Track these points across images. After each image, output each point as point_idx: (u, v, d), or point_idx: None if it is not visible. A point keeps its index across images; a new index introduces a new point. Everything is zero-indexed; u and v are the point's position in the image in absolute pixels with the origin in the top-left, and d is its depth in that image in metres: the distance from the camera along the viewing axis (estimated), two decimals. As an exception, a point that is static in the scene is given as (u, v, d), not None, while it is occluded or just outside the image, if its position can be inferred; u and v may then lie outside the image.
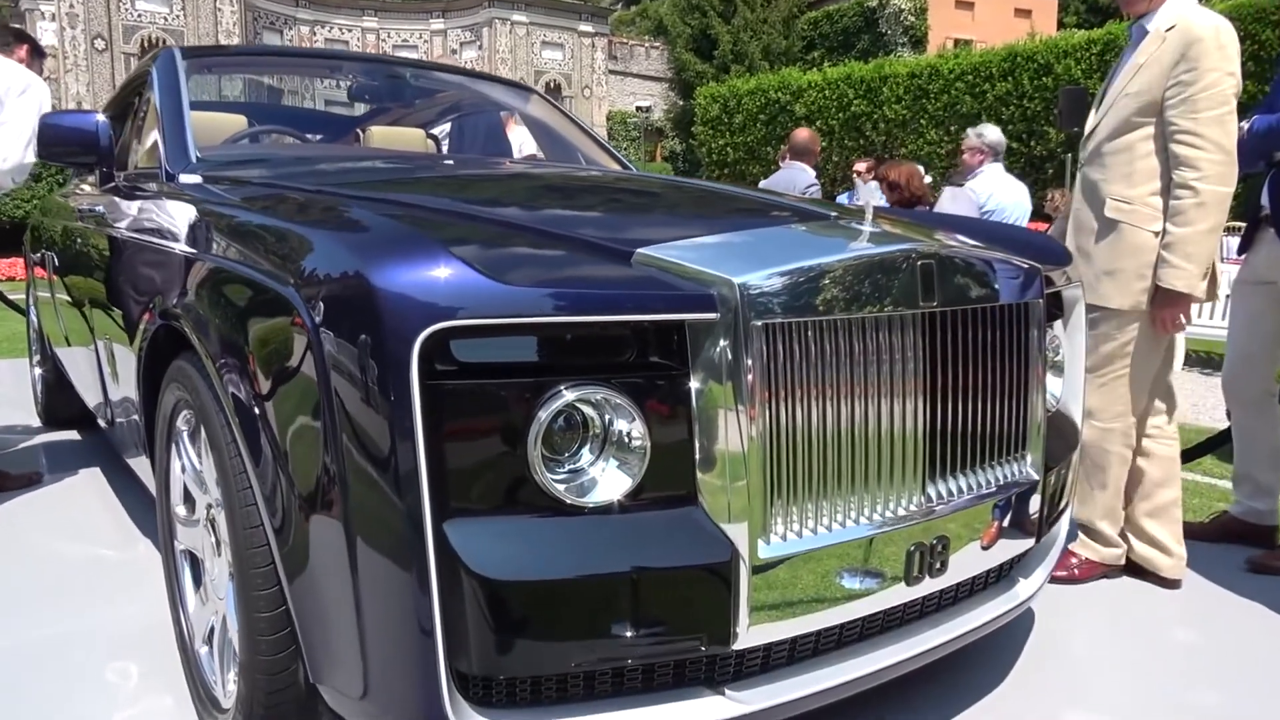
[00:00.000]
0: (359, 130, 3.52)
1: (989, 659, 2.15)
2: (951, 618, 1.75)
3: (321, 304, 1.31)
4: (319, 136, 3.75)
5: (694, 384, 1.38)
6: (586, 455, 1.35)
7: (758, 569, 1.40)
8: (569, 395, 1.31)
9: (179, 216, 2.01)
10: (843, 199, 7.53)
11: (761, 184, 6.21)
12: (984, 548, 1.72)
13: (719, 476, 1.39)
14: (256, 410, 1.43)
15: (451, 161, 2.96)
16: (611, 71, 37.53)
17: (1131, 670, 2.18)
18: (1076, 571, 2.59)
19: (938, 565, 1.62)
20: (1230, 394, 2.97)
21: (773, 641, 1.46)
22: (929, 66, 18.75)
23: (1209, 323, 7.58)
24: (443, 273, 1.26)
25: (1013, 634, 2.26)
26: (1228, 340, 2.99)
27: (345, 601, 1.32)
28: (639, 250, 1.43)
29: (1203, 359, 7.97)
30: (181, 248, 1.89)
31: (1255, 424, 2.90)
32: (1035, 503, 1.84)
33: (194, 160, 2.41)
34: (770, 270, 1.40)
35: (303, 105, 4.10)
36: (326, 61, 3.48)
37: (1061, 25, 34.79)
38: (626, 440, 1.35)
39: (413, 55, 29.05)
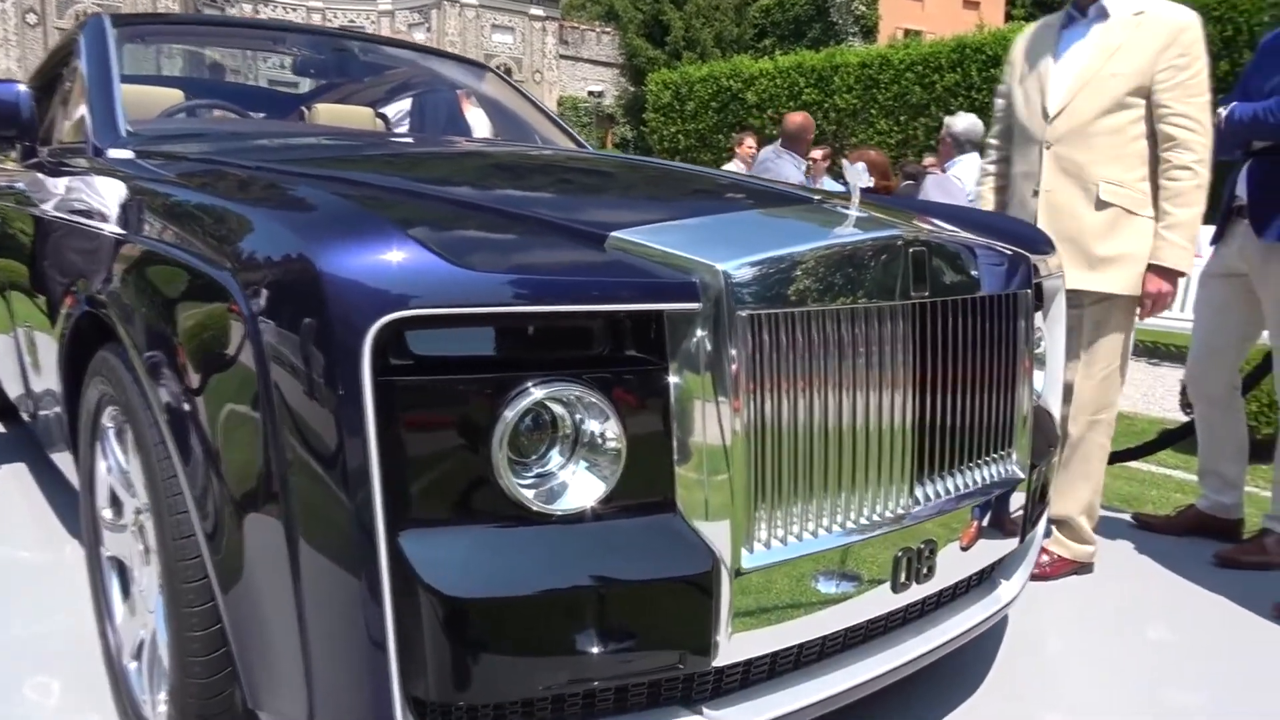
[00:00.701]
0: (303, 108, 3.34)
1: (964, 662, 2.09)
2: (935, 624, 1.67)
3: (261, 291, 1.17)
4: (262, 114, 3.56)
5: (673, 380, 1.27)
6: (556, 458, 1.23)
7: (741, 580, 1.30)
8: (537, 392, 1.19)
9: (104, 193, 1.84)
10: None
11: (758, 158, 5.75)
12: (970, 551, 1.65)
13: (700, 480, 1.28)
14: (187, 408, 1.29)
15: (404, 140, 2.81)
16: (563, 56, 37.13)
17: (1105, 669, 2.13)
18: (1048, 569, 2.54)
19: (924, 570, 1.54)
20: (1195, 388, 2.94)
21: (754, 657, 1.36)
22: (879, 56, 18.80)
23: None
24: (398, 257, 1.13)
25: (986, 634, 2.19)
26: (1193, 333, 2.96)
27: (288, 621, 1.18)
28: (613, 234, 1.32)
29: (1149, 349, 8.09)
30: (106, 227, 1.72)
31: (1220, 418, 2.88)
32: (1020, 502, 1.77)
33: (123, 134, 2.23)
34: (756, 256, 1.29)
35: (247, 83, 3.89)
36: (268, 33, 3.29)
37: (1009, 18, 35.25)
38: (600, 442, 1.24)
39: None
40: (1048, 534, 2.57)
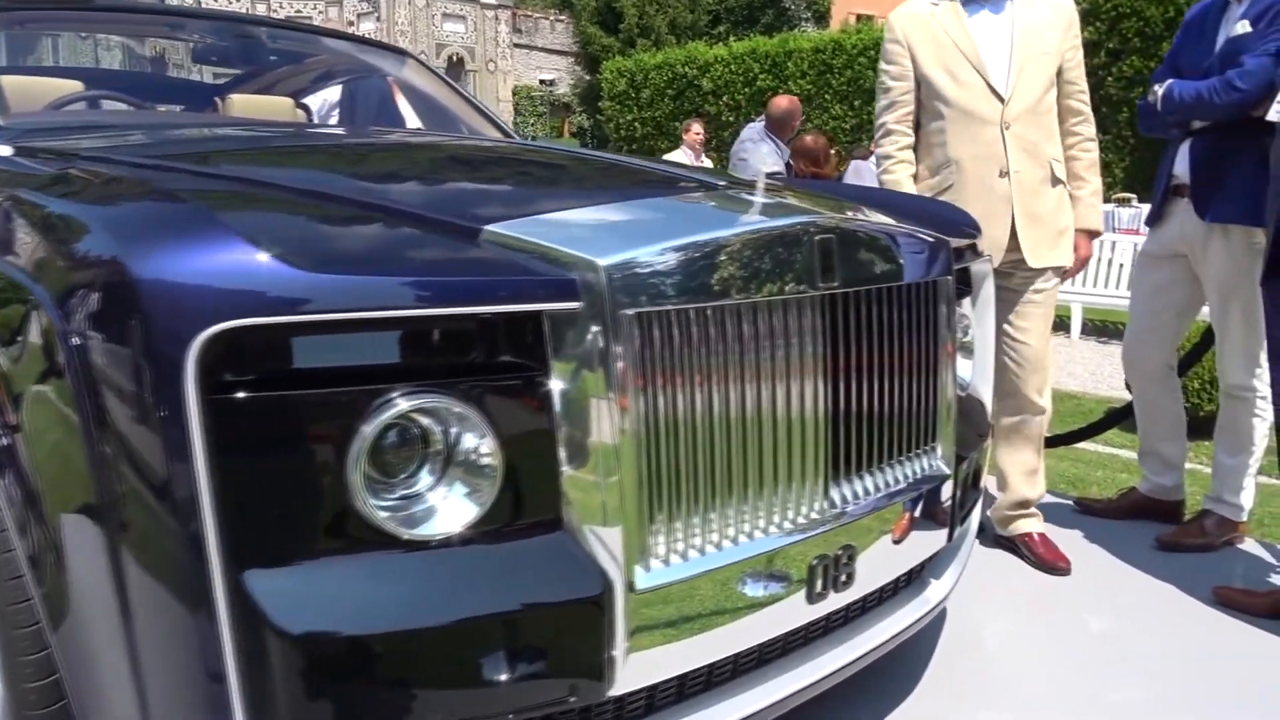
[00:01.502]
0: (217, 99, 3.17)
1: (899, 661, 2.00)
2: (859, 631, 1.58)
3: (79, 303, 1.04)
4: (176, 105, 3.38)
5: (555, 387, 1.16)
6: (424, 478, 1.12)
7: (637, 600, 1.19)
8: (399, 406, 1.07)
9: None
10: None
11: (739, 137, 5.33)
12: (894, 553, 1.56)
13: (588, 496, 1.17)
14: (4, 439, 1.15)
15: (308, 131, 2.65)
16: (516, 45, 36.70)
17: (1045, 662, 2.07)
18: (1047, 554, 2.54)
19: (843, 578, 1.45)
20: (1131, 368, 2.89)
21: (657, 682, 1.26)
22: (832, 42, 18.84)
23: (1105, 291, 7.73)
24: (233, 260, 1.01)
25: (922, 630, 2.12)
26: (1130, 313, 2.91)
27: (123, 675, 1.06)
28: (488, 227, 1.20)
29: (1098, 328, 8.14)
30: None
31: (1157, 398, 2.83)
32: (947, 498, 1.68)
33: (-15, 128, 2.06)
34: (643, 249, 1.18)
35: (150, 72, 3.69)
36: (167, 19, 3.11)
37: (959, 1, 35.41)
38: (473, 458, 1.12)
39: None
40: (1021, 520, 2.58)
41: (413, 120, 3.45)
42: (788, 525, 1.36)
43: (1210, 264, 2.57)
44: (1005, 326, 2.50)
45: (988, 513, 2.63)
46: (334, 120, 3.51)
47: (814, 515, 1.40)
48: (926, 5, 2.55)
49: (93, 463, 1.03)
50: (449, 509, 1.12)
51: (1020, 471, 2.56)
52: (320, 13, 32.66)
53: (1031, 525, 2.59)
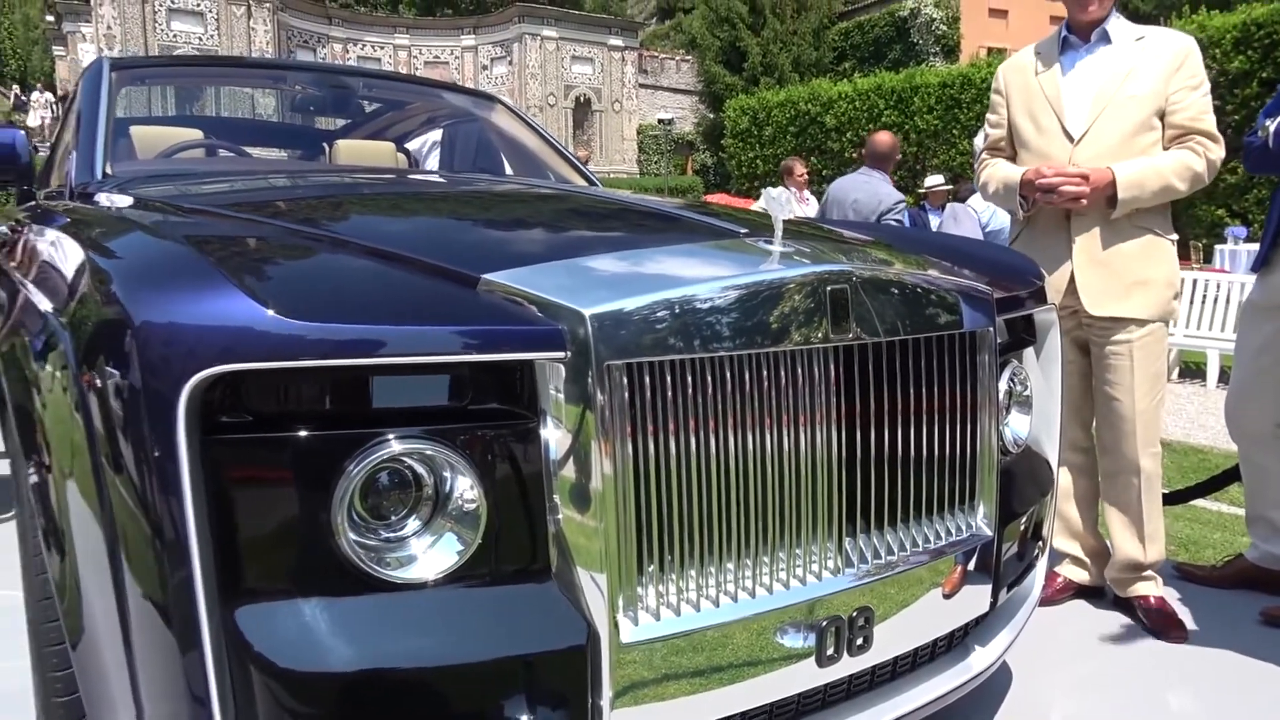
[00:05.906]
0: (325, 144, 3.37)
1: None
2: (887, 697, 1.51)
3: (86, 346, 1.11)
4: (295, 152, 3.61)
5: (543, 436, 1.16)
6: (411, 523, 1.14)
7: (624, 655, 1.17)
8: (384, 452, 1.10)
9: (34, 237, 1.83)
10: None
11: (831, 190, 5.12)
12: (921, 618, 1.48)
13: (575, 545, 1.17)
14: (35, 475, 1.24)
15: (387, 177, 2.76)
16: (642, 85, 37.35)
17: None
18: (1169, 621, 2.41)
19: (859, 641, 1.38)
20: (1235, 427, 2.67)
21: (646, 740, 1.23)
22: (961, 76, 18.45)
23: (1196, 333, 7.18)
24: (228, 307, 1.06)
25: (976, 699, 1.99)
26: (1234, 368, 2.70)
27: (127, 699, 1.11)
28: (485, 276, 1.22)
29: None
30: (15, 272, 1.71)
31: (1265, 460, 2.60)
32: (987, 562, 1.59)
33: (99, 176, 2.24)
34: (632, 299, 1.17)
35: (257, 121, 3.95)
36: (270, 71, 3.33)
37: (1100, 32, 33.91)
38: (459, 504, 1.14)
39: (446, 72, 29.03)
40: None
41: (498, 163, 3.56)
42: (794, 584, 1.32)
43: None
44: (1095, 379, 2.40)
45: (1107, 573, 2.53)
46: (434, 162, 3.68)
47: (827, 574, 1.35)
48: (1030, 54, 2.54)
49: (101, 503, 1.09)
50: (433, 553, 1.13)
51: (1124, 531, 2.44)
52: (456, 57, 34.17)
53: (1148, 589, 2.47)
